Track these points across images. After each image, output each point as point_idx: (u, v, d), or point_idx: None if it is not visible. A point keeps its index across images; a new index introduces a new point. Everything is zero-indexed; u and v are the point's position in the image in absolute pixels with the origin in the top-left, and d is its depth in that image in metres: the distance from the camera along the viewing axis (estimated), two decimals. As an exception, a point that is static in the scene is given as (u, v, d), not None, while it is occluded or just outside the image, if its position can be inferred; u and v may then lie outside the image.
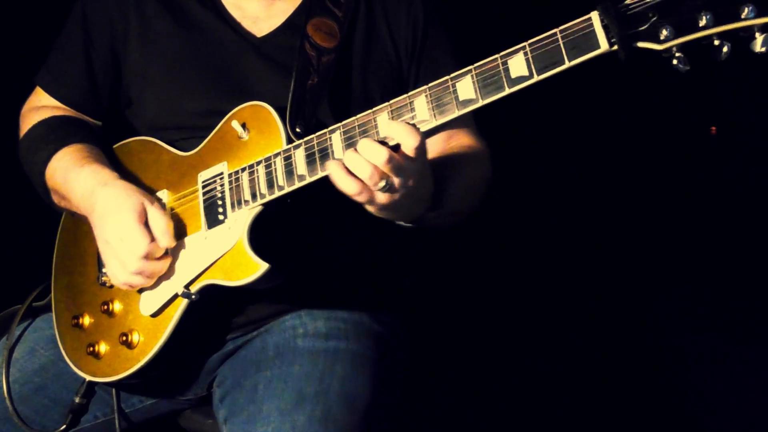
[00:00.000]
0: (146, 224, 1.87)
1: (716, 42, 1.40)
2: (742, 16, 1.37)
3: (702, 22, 1.39)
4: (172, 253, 1.92)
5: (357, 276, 2.10)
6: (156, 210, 1.88)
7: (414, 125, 1.64)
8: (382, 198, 1.66)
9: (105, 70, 2.16)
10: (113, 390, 2.07)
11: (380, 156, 1.60)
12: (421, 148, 1.63)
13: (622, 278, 3.19)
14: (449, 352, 3.07)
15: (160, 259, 1.88)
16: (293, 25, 2.07)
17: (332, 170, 1.65)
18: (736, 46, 1.40)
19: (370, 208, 1.70)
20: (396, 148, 1.64)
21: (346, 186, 1.64)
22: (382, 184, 1.62)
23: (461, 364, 3.10)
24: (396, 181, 1.63)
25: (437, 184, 1.78)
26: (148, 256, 1.85)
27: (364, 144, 1.62)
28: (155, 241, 1.86)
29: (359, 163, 1.62)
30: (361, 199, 1.65)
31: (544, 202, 3.21)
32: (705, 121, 3.22)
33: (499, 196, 3.06)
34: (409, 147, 1.62)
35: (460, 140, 2.11)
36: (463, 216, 2.01)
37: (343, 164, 1.63)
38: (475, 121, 2.17)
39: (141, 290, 1.96)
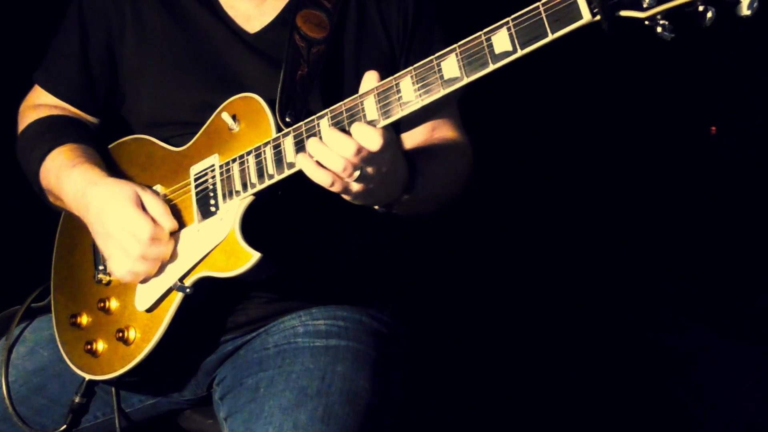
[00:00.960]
0: (144, 210, 1.85)
1: (700, 7, 1.35)
2: (726, -20, 1.31)
3: (686, -13, 1.34)
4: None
5: (354, 274, 2.05)
6: (150, 195, 1.87)
7: (372, 124, 1.61)
8: (357, 187, 1.63)
9: (101, 66, 2.15)
10: (113, 389, 2.03)
11: (349, 148, 1.58)
12: (386, 144, 1.60)
13: (621, 275, 3.13)
14: (449, 350, 3.03)
15: (162, 243, 1.85)
16: (284, 20, 2.04)
17: (303, 163, 1.63)
18: (720, 11, 1.34)
19: (345, 197, 1.67)
20: None
21: (319, 178, 1.61)
22: (357, 174, 1.60)
23: (461, 362, 3.05)
24: (369, 169, 1.61)
25: (412, 168, 1.75)
26: (152, 240, 1.82)
27: (331, 135, 1.60)
28: (158, 224, 1.84)
29: (329, 155, 1.59)
30: (335, 189, 1.63)
31: (543, 201, 3.17)
32: (705, 121, 3.17)
33: (498, 195, 3.05)
34: (375, 148, 1.59)
35: (444, 133, 2.07)
36: (439, 206, 1.98)
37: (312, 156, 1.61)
38: (472, 118, 2.14)
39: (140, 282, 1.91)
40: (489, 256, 3.15)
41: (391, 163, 1.65)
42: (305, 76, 1.92)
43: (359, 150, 1.58)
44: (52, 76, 2.19)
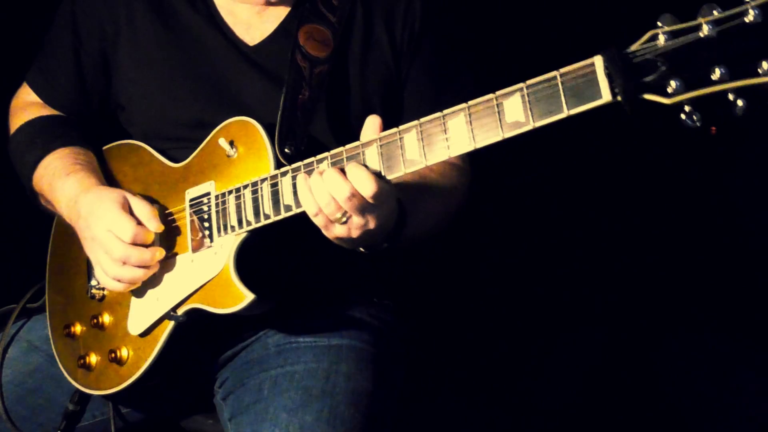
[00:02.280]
0: (131, 214, 1.76)
1: (731, 97, 1.19)
2: (760, 72, 1.15)
3: (715, 76, 1.18)
4: (160, 272, 1.78)
5: (354, 279, 1.95)
6: (138, 199, 1.78)
7: (378, 173, 1.48)
8: (339, 230, 1.54)
9: (95, 73, 2.01)
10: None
11: (342, 191, 1.47)
12: (381, 195, 1.48)
13: (622, 279, 3.03)
14: (449, 350, 2.97)
15: (147, 248, 1.74)
16: (286, 31, 1.89)
17: (299, 183, 1.54)
18: (752, 102, 1.18)
19: (326, 233, 1.57)
20: None
21: (306, 203, 1.53)
22: (338, 216, 1.50)
23: (461, 362, 2.99)
24: (355, 219, 1.51)
25: (401, 220, 1.63)
26: (135, 241, 1.72)
27: (330, 174, 1.49)
28: (142, 226, 1.74)
29: (320, 189, 1.50)
30: (317, 221, 1.54)
31: (545, 201, 3.05)
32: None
33: (500, 197, 2.92)
34: (366, 194, 1.47)
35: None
36: (422, 241, 1.86)
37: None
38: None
39: (133, 296, 1.81)
40: (490, 255, 3.06)
41: (384, 219, 1.55)
42: (306, 101, 1.78)
43: (352, 195, 1.47)
44: (45, 82, 2.07)
